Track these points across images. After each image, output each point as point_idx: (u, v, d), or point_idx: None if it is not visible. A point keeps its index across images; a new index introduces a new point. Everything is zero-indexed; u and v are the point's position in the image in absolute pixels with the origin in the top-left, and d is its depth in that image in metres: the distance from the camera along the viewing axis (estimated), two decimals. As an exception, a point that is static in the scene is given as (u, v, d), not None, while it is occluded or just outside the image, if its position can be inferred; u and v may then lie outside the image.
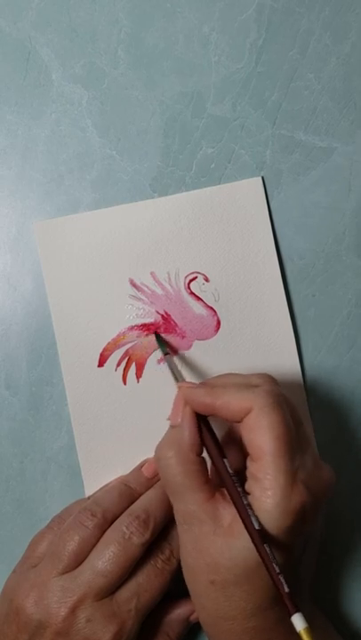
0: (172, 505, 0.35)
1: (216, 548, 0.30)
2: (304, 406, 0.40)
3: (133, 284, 0.40)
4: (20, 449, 0.40)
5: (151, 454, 0.39)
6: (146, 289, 0.40)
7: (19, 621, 0.33)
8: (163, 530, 0.35)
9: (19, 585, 0.34)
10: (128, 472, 0.39)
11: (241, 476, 0.32)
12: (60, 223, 0.41)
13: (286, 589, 0.28)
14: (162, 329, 0.40)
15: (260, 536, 0.29)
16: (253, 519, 0.29)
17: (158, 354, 0.40)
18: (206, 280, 0.41)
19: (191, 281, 0.40)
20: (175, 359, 0.40)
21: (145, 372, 0.40)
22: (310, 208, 0.42)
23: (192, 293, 0.40)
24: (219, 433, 0.34)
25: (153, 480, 0.38)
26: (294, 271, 0.41)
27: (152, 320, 0.40)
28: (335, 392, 0.41)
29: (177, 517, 0.33)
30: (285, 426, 0.30)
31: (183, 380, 0.36)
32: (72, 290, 0.40)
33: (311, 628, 0.27)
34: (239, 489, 0.30)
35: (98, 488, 0.39)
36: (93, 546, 0.34)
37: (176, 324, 0.40)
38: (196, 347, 0.40)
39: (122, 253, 0.41)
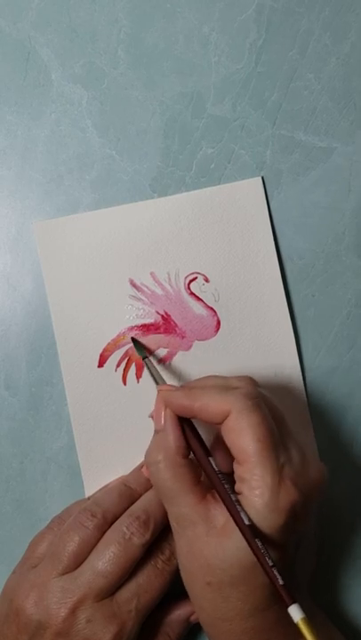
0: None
1: (210, 549, 0.30)
2: (304, 406, 0.40)
3: (133, 285, 0.40)
4: (20, 449, 0.40)
5: (151, 454, 0.39)
6: (146, 289, 0.40)
7: (19, 622, 0.33)
8: (163, 530, 0.35)
9: (19, 585, 0.34)
10: (128, 472, 0.39)
11: (232, 477, 0.32)
12: (59, 223, 0.41)
13: (281, 582, 0.28)
14: (162, 329, 0.40)
15: (251, 531, 0.29)
16: (243, 514, 0.29)
17: (158, 354, 0.40)
18: (206, 280, 0.41)
19: (191, 281, 0.40)
20: (175, 360, 0.40)
21: (145, 372, 0.40)
22: (310, 208, 0.42)
23: (192, 294, 0.40)
24: (208, 436, 0.34)
25: (153, 481, 0.38)
26: (294, 271, 0.41)
27: (152, 320, 0.40)
28: (335, 392, 0.41)
29: (171, 521, 0.33)
30: (265, 426, 0.30)
31: (163, 383, 0.36)
32: (72, 290, 0.40)
33: (311, 623, 0.27)
34: (226, 486, 0.31)
35: (98, 488, 0.39)
36: (93, 546, 0.34)
37: (176, 325, 0.40)
38: (196, 347, 0.40)
39: (122, 254, 0.41)
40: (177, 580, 0.34)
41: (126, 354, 0.40)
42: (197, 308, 0.40)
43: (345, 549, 0.41)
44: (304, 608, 0.27)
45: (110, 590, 0.33)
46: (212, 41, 0.42)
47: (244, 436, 0.30)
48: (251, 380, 0.34)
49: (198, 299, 0.40)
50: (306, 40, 0.42)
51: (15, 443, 0.40)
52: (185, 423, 0.34)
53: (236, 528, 0.29)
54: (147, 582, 0.34)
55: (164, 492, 0.33)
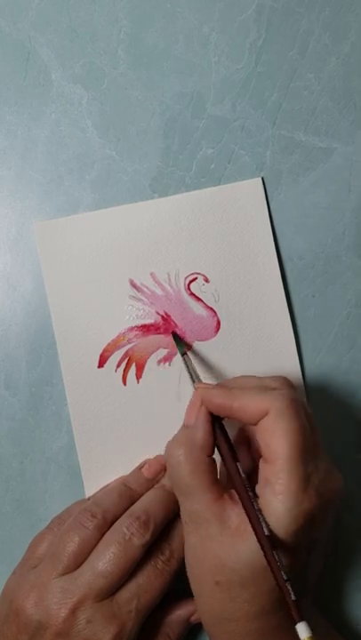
0: (172, 506, 0.35)
1: (222, 549, 0.30)
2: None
3: (133, 285, 0.40)
4: (20, 449, 0.40)
5: (151, 455, 0.39)
6: (146, 289, 0.40)
7: (19, 622, 0.33)
8: (163, 530, 0.35)
9: (19, 586, 0.34)
10: (128, 472, 0.39)
11: (250, 478, 0.32)
12: (59, 224, 0.41)
13: (293, 597, 0.28)
14: (162, 329, 0.40)
15: (270, 542, 0.29)
16: (264, 525, 0.29)
17: (158, 355, 0.40)
18: (206, 281, 0.41)
19: (191, 282, 0.40)
20: (175, 360, 0.40)
21: (145, 372, 0.40)
22: (310, 208, 0.42)
23: (192, 294, 0.40)
24: (230, 430, 0.34)
25: (153, 481, 0.38)
26: (294, 271, 0.41)
27: (152, 321, 0.40)
28: (335, 392, 0.41)
29: (183, 517, 0.33)
30: (302, 431, 0.30)
31: (200, 381, 0.36)
32: (72, 290, 0.40)
33: (314, 633, 0.27)
34: (250, 493, 0.30)
35: (98, 488, 0.39)
36: (93, 547, 0.34)
37: (176, 325, 0.40)
38: (197, 347, 0.40)
39: (122, 254, 0.41)
40: (177, 580, 0.34)
41: (126, 354, 0.40)
42: (197, 309, 0.40)
43: (345, 550, 0.41)
44: (310, 619, 0.27)
45: (110, 591, 0.33)
46: (212, 41, 0.42)
47: (278, 438, 0.30)
48: (288, 382, 0.34)
49: (198, 299, 0.40)
50: (306, 40, 0.42)
51: (15, 443, 0.40)
52: (216, 423, 0.33)
53: (252, 531, 0.29)
54: (147, 582, 0.34)
55: (181, 487, 0.32)
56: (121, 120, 0.41)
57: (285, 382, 0.34)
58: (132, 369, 0.40)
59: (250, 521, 0.30)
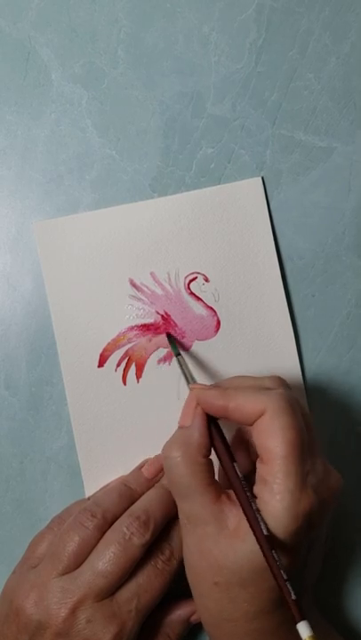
0: (172, 505, 0.35)
1: (221, 549, 0.30)
2: (304, 406, 0.40)
3: (133, 285, 0.40)
4: (20, 449, 0.40)
5: (151, 454, 0.39)
6: (146, 289, 0.40)
7: (19, 622, 0.33)
8: (163, 530, 0.35)
9: (19, 586, 0.34)
10: (128, 472, 0.39)
11: (248, 479, 0.32)
12: (59, 223, 0.41)
13: (293, 597, 0.28)
14: (162, 329, 0.40)
15: (269, 543, 0.29)
16: (262, 525, 0.29)
17: (158, 354, 0.40)
18: (206, 280, 0.41)
19: (191, 281, 0.40)
20: (175, 360, 0.40)
21: (145, 372, 0.40)
22: (310, 208, 0.42)
23: (192, 294, 0.40)
24: (227, 433, 0.34)
25: (153, 481, 0.38)
26: (294, 271, 0.41)
27: (152, 320, 0.40)
28: (335, 392, 0.41)
29: (181, 518, 0.33)
30: (298, 430, 0.30)
31: (195, 382, 0.36)
32: (72, 290, 0.40)
33: (315, 633, 0.27)
34: (248, 494, 0.30)
35: (98, 488, 0.39)
36: (93, 547, 0.34)
37: (176, 325, 0.40)
38: (196, 347, 0.40)
39: (122, 253, 0.41)
40: (177, 579, 0.34)
41: (126, 354, 0.40)
42: (197, 308, 0.40)
43: (345, 550, 0.41)
44: (310, 618, 0.27)
45: (110, 590, 0.33)
46: (212, 41, 0.42)
47: (274, 438, 0.30)
48: (283, 381, 0.34)
49: (198, 299, 0.40)
50: (306, 40, 0.42)
51: (15, 443, 0.40)
52: (212, 424, 0.33)
53: (250, 532, 0.29)
54: (147, 582, 0.34)
55: (179, 488, 0.32)
56: (121, 120, 0.41)
57: (281, 382, 0.34)
58: (132, 369, 0.40)
59: (248, 521, 0.30)
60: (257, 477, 0.31)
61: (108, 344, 0.40)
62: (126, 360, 0.40)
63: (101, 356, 0.40)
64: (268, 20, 0.42)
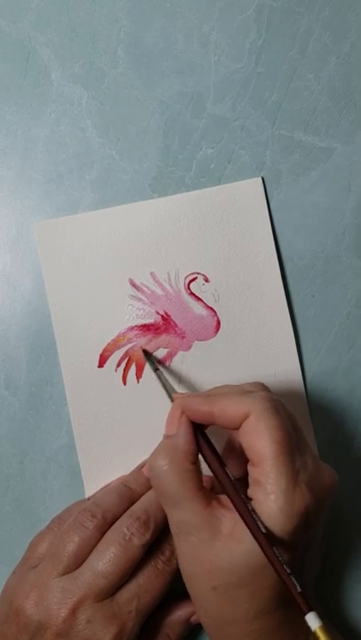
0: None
1: (216, 553, 0.30)
2: (304, 406, 0.40)
3: (133, 285, 0.40)
4: (20, 449, 0.40)
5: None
6: (146, 289, 0.40)
7: (19, 622, 0.33)
8: (163, 530, 0.35)
9: (19, 586, 0.34)
10: (128, 472, 0.39)
11: (241, 484, 0.32)
12: (59, 223, 0.41)
13: (299, 589, 0.28)
14: (162, 329, 0.40)
15: (268, 539, 0.29)
16: (259, 523, 0.29)
17: (158, 354, 0.40)
18: (206, 280, 0.41)
19: (191, 281, 0.40)
20: (175, 360, 0.40)
21: (145, 372, 0.40)
22: (310, 208, 0.42)
23: (192, 294, 0.40)
24: (217, 445, 0.34)
25: (153, 481, 0.38)
26: (294, 271, 0.41)
27: (152, 320, 0.40)
28: (335, 392, 0.41)
29: (172, 527, 0.33)
30: (284, 429, 0.30)
31: (176, 392, 0.36)
32: (72, 290, 0.40)
33: (328, 632, 0.27)
34: (243, 496, 0.30)
35: (98, 488, 0.39)
36: (93, 547, 0.34)
37: (176, 325, 0.40)
38: (196, 347, 0.40)
39: (122, 254, 0.41)
40: (177, 580, 0.34)
41: (126, 354, 0.40)
42: (197, 309, 0.40)
43: (346, 549, 0.41)
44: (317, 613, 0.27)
45: (110, 591, 0.33)
46: (212, 41, 0.42)
47: (261, 438, 0.30)
48: (264, 386, 0.34)
49: (198, 299, 0.40)
50: (306, 40, 0.42)
51: (15, 443, 0.40)
52: (198, 432, 0.33)
53: (246, 533, 0.29)
54: (147, 583, 0.34)
55: (168, 497, 0.32)
56: (121, 120, 0.41)
57: (262, 386, 0.34)
58: (132, 369, 0.40)
59: (244, 521, 0.29)
60: (250, 481, 0.31)
61: (108, 344, 0.40)
62: (126, 360, 0.40)
63: (101, 356, 0.40)
64: (268, 20, 0.42)
